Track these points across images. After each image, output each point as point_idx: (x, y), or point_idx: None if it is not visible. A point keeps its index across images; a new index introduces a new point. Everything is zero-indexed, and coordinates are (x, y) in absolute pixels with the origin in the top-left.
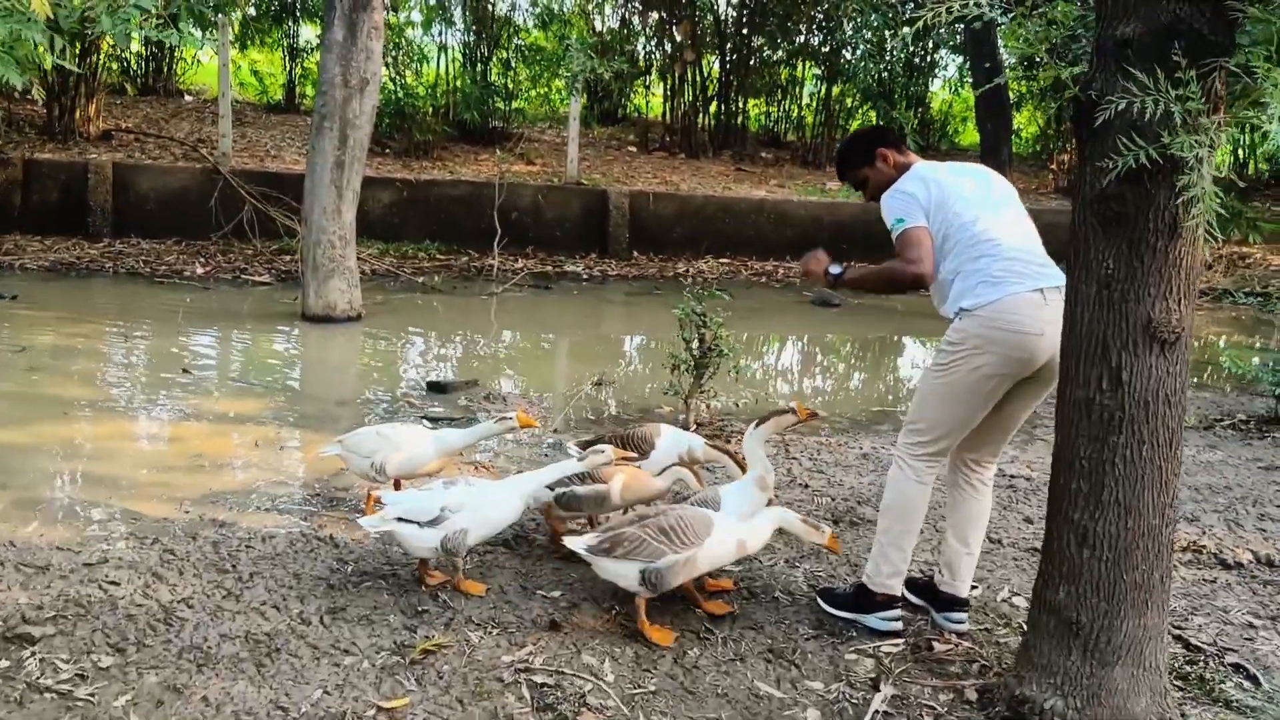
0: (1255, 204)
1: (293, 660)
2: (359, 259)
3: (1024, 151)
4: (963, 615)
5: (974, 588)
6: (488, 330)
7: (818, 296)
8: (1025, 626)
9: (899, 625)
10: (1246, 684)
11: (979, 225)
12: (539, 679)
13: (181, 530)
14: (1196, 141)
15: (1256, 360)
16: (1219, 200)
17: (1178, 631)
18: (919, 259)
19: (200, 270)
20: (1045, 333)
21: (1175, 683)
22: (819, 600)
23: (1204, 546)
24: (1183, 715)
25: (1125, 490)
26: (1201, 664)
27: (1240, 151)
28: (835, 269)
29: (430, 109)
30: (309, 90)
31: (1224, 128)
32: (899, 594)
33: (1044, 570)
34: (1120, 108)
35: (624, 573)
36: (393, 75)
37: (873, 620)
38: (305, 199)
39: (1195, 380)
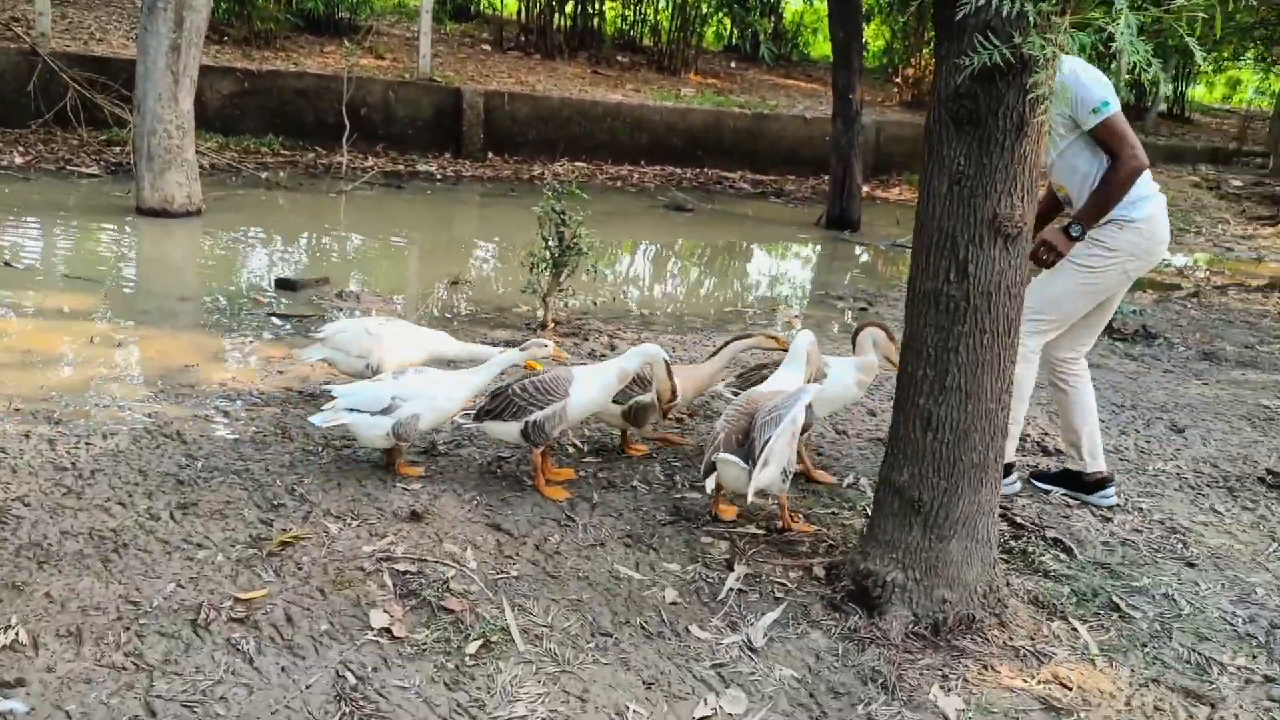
0: None
1: (142, 555)
2: (197, 152)
3: (872, 64)
4: (1112, 489)
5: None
6: (337, 228)
7: (671, 201)
8: (870, 508)
9: (1018, 486)
10: (1062, 556)
11: None
12: (401, 567)
13: (12, 428)
14: (1047, 40)
15: None
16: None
17: (1004, 511)
18: (1138, 148)
19: (19, 160)
20: (1168, 239)
21: (1001, 556)
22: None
23: (1029, 435)
24: (1008, 584)
25: (966, 376)
26: (1024, 539)
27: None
28: (1075, 229)
29: None
30: None
31: (1068, 29)
32: (1014, 460)
33: (890, 454)
34: (978, 5)
35: (507, 430)
36: None
37: (1005, 485)
38: (137, 85)
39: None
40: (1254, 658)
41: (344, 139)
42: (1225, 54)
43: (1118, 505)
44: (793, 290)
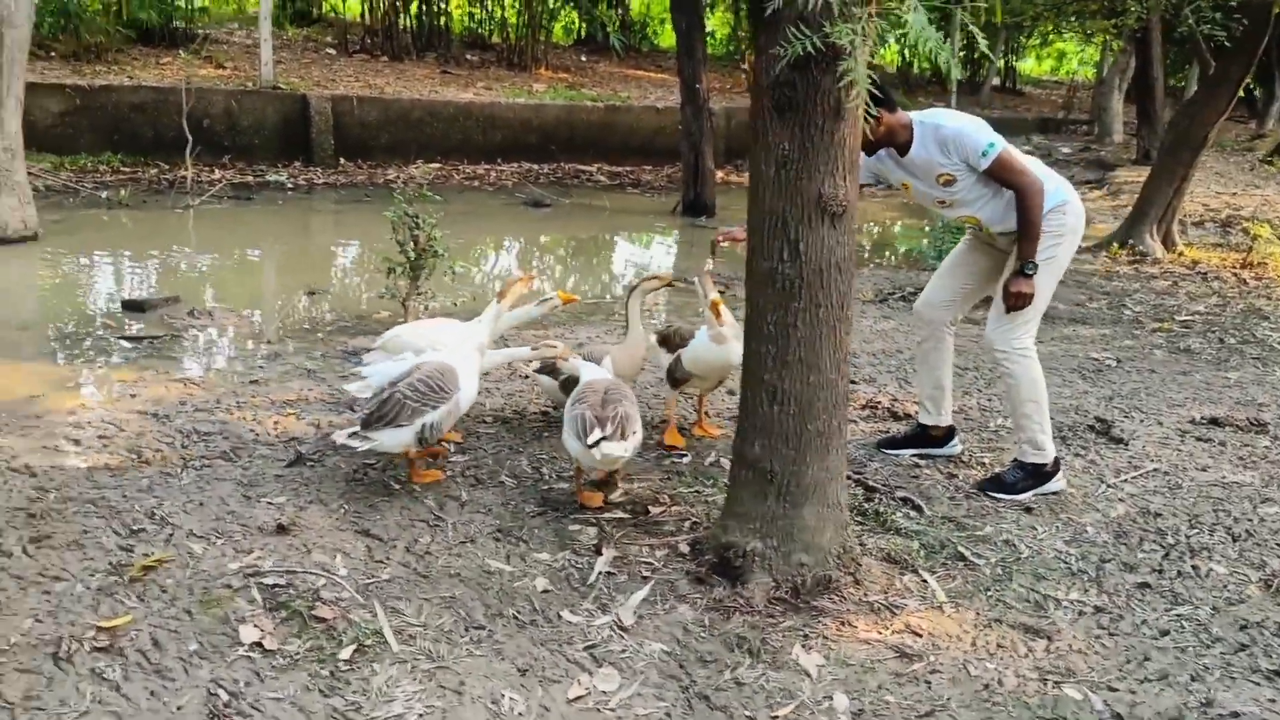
0: (921, 100)
1: None
2: (30, 174)
3: (718, 52)
4: (956, 440)
5: (683, 455)
6: (186, 245)
7: (529, 198)
8: (728, 483)
9: (1064, 483)
10: (912, 513)
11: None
12: (269, 580)
13: None
14: (851, 29)
15: (925, 241)
16: (872, 83)
17: (858, 476)
18: (1029, 171)
19: None
20: None
21: (856, 518)
22: (991, 494)
23: (880, 403)
24: (861, 544)
25: (806, 349)
26: (876, 501)
27: (905, 53)
28: (1029, 268)
29: (100, 7)
30: None
31: (872, 19)
32: (1058, 454)
33: (741, 428)
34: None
35: (403, 438)
36: None
37: (1054, 483)
38: None
39: (874, 261)
40: (1086, 591)
41: (187, 152)
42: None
43: (961, 458)
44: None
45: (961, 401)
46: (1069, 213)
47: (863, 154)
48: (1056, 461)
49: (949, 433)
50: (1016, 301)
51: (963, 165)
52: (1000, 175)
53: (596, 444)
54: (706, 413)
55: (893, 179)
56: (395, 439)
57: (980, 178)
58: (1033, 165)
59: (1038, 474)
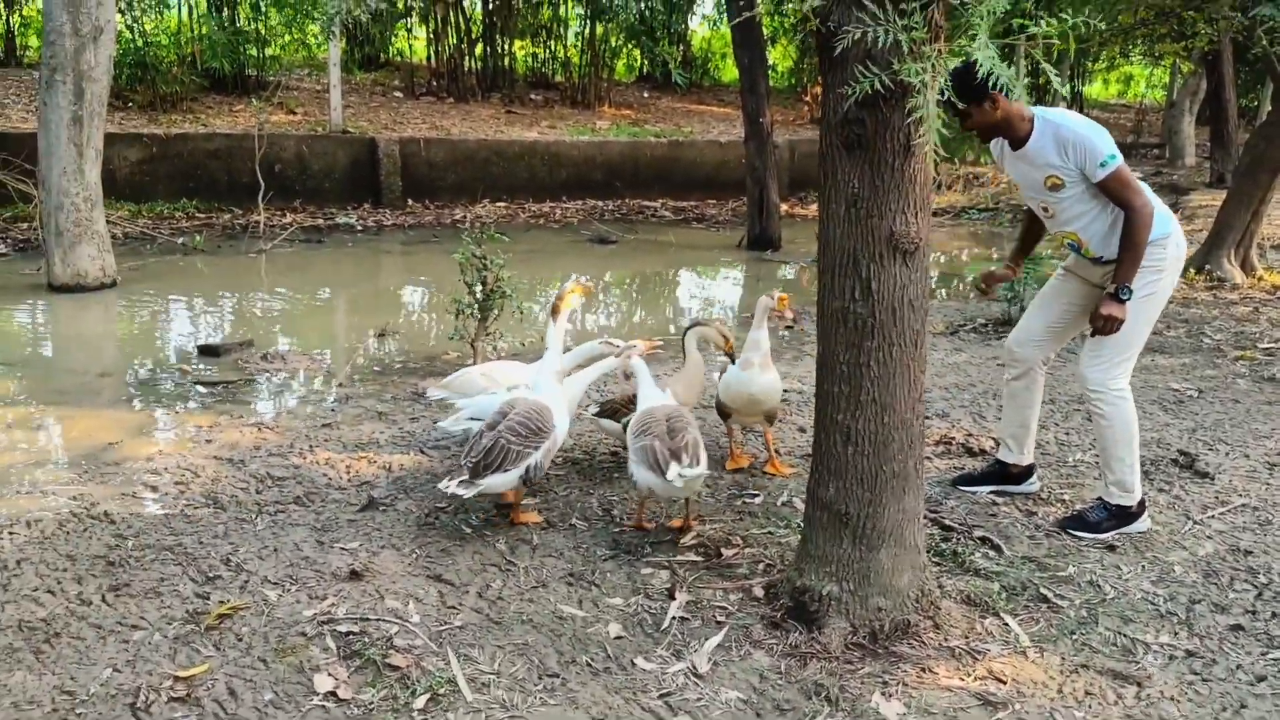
0: None
1: (75, 643)
2: (109, 222)
3: (780, 85)
4: (1035, 477)
5: (755, 496)
6: (258, 289)
7: (594, 235)
8: (802, 524)
9: (1148, 524)
10: (991, 553)
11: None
12: (344, 628)
13: None
14: (921, 68)
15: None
16: (943, 121)
17: (933, 515)
18: (1144, 192)
19: None
20: None
21: (933, 559)
22: (1074, 533)
23: (954, 439)
24: (940, 586)
25: (880, 389)
26: (954, 541)
27: None
28: (1124, 293)
29: (175, 58)
30: (33, 41)
31: (943, 55)
32: (1143, 495)
33: (815, 470)
34: (855, 38)
35: (509, 481)
36: (129, 22)
37: (1140, 524)
38: (41, 160)
39: (942, 291)
40: (1175, 634)
41: (259, 197)
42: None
43: (1040, 495)
44: (719, 311)
45: (1039, 436)
46: (1171, 245)
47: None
48: (1142, 503)
49: (1028, 470)
50: (1106, 325)
51: (1076, 172)
52: (1114, 190)
53: (678, 475)
54: (777, 450)
55: (1004, 172)
56: (503, 482)
57: (1090, 189)
58: (1146, 190)
59: (1123, 515)
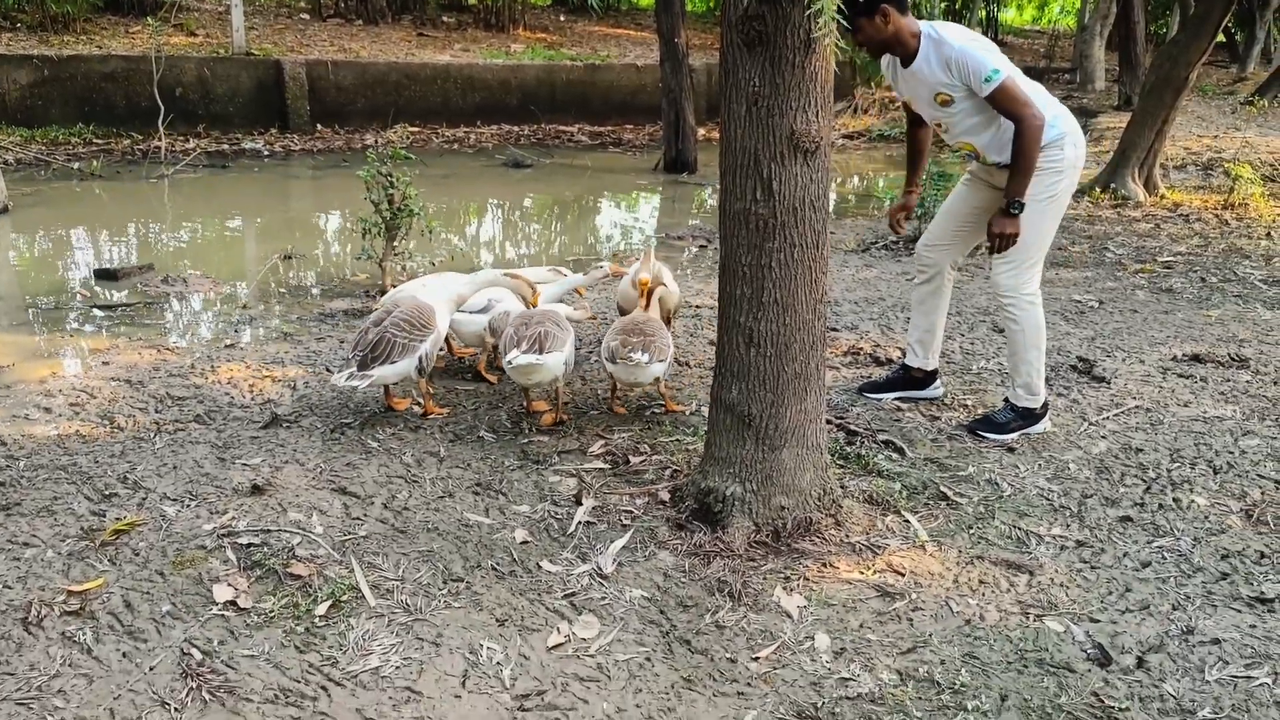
0: None
1: None
2: None
3: (699, 9)
4: (939, 383)
5: (664, 405)
6: (160, 215)
7: (509, 159)
8: (707, 428)
9: (1049, 425)
10: (894, 455)
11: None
12: (244, 541)
13: None
14: None
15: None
16: (840, 13)
17: (840, 421)
18: (1033, 104)
19: None
20: None
21: (838, 462)
22: (980, 435)
23: (862, 349)
24: (843, 487)
25: (782, 290)
26: (859, 444)
27: None
28: (1015, 208)
29: None
30: None
31: None
32: (1048, 399)
33: (718, 373)
34: None
35: (400, 370)
36: None
37: (1041, 425)
38: None
39: (857, 211)
40: (1068, 527)
41: (159, 122)
42: None
43: (943, 401)
44: (636, 234)
45: (945, 346)
46: (1068, 145)
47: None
48: (1045, 405)
49: (931, 376)
50: (999, 243)
51: (963, 87)
52: (1001, 104)
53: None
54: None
55: (898, 91)
56: (394, 373)
57: (978, 104)
58: (1036, 95)
59: (1028, 416)
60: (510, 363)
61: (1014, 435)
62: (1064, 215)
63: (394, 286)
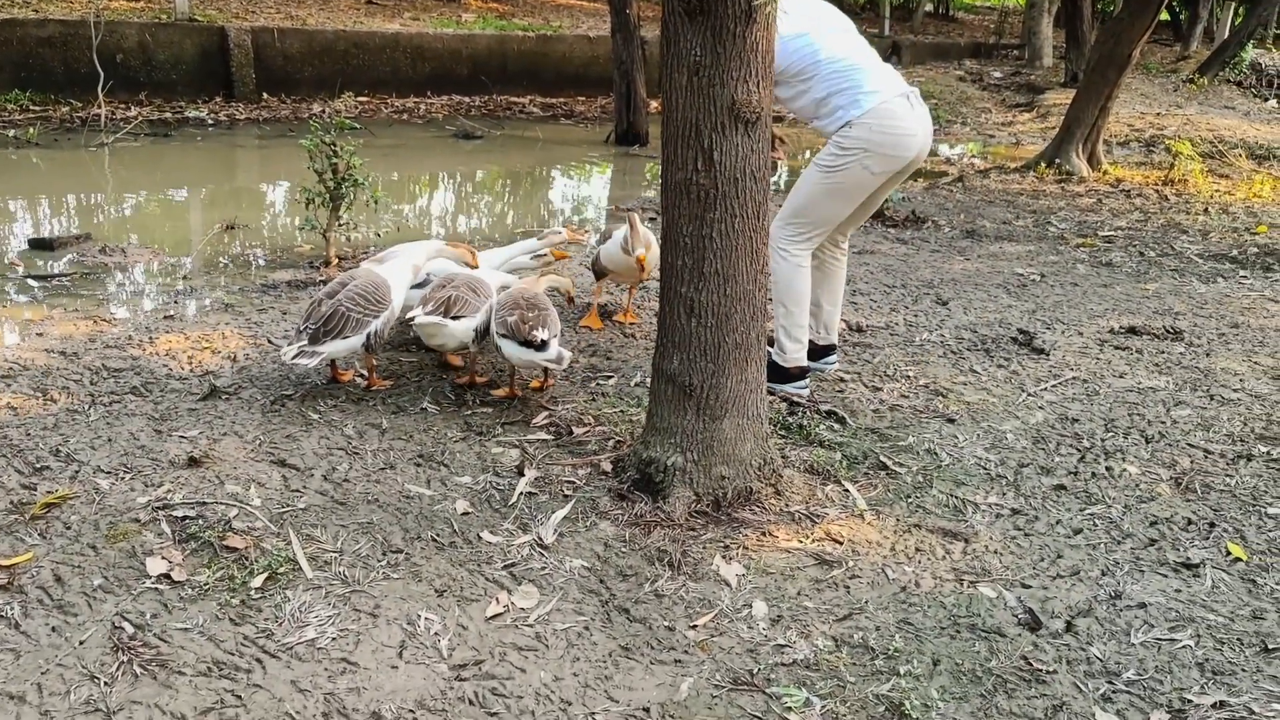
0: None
1: None
2: None
3: None
4: (834, 357)
5: (609, 377)
6: (101, 184)
7: (460, 130)
8: (649, 398)
9: (808, 390)
10: (836, 426)
11: (839, 50)
12: (179, 513)
13: None
14: None
15: None
16: None
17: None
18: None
19: None
20: (917, 131)
21: (779, 433)
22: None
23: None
24: (784, 457)
25: (723, 261)
26: (800, 414)
27: None
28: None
29: None
30: None
31: None
32: (806, 365)
33: (660, 343)
34: None
35: (351, 346)
36: None
37: (789, 389)
38: None
39: None
40: (1003, 495)
41: (99, 88)
42: None
43: (886, 372)
44: (586, 206)
45: (888, 318)
46: (868, 125)
47: None
48: (804, 370)
49: (826, 350)
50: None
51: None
52: None
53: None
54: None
55: None
56: (345, 348)
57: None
58: (841, 65)
59: (775, 370)
60: (414, 321)
61: (773, 388)
62: (1012, 190)
63: (338, 257)
